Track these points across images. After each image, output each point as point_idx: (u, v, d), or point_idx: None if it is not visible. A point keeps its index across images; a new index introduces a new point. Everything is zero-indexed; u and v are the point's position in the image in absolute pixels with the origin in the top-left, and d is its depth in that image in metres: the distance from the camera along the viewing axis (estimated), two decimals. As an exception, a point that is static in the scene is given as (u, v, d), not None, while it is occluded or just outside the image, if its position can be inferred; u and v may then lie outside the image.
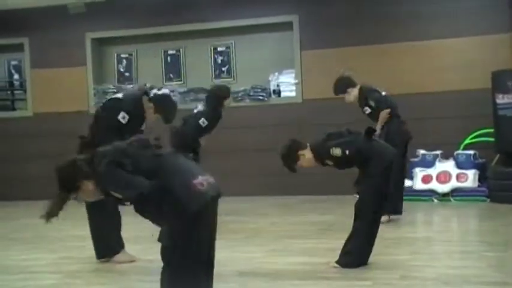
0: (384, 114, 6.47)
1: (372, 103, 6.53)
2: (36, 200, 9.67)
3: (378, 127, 6.30)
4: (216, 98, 6.99)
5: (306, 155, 4.61)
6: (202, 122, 6.87)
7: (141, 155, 2.84)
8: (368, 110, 6.56)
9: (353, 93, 6.62)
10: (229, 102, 7.10)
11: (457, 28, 8.60)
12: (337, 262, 4.68)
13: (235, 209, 7.65)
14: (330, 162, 4.64)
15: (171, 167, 2.86)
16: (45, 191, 10.94)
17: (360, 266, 4.60)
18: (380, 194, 4.61)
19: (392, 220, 6.47)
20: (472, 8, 8.54)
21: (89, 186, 2.84)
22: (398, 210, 6.61)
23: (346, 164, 4.67)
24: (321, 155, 4.63)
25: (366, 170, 4.60)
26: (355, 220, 4.64)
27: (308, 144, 4.64)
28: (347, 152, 4.53)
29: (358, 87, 6.63)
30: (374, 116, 6.52)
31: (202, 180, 2.87)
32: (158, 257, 2.94)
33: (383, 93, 6.64)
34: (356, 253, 4.63)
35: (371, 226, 4.61)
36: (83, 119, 9.89)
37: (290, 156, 4.61)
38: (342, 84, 6.68)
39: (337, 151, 4.55)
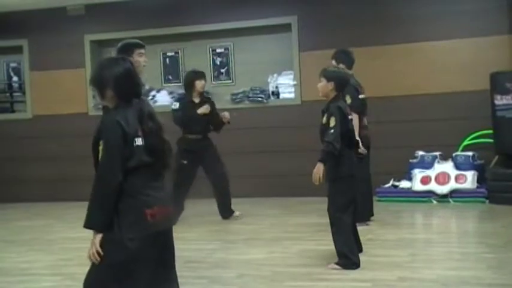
0: (356, 120, 6.05)
1: (348, 99, 6.17)
2: (34, 202, 9.75)
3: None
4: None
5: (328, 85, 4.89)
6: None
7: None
8: None
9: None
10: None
11: (455, 29, 8.59)
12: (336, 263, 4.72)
13: (234, 210, 7.64)
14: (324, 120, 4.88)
15: (134, 185, 2.82)
16: (44, 193, 10.92)
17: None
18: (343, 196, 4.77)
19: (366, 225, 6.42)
20: (471, 9, 8.53)
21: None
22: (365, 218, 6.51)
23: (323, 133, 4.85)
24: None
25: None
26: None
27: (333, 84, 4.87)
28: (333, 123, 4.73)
29: (348, 71, 6.33)
30: None
31: (156, 211, 2.84)
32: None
33: (361, 96, 6.50)
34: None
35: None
36: (82, 121, 9.96)
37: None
38: (340, 54, 6.52)
39: (332, 119, 4.75)
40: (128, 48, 5.11)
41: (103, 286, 2.81)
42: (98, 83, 2.91)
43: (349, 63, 6.52)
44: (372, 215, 6.69)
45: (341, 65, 6.39)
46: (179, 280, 3.08)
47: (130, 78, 2.93)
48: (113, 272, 2.78)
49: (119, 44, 5.13)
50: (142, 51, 5.10)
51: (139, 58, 5.07)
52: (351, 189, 4.80)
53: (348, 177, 4.78)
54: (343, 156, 4.74)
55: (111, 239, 2.78)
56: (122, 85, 2.89)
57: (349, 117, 4.88)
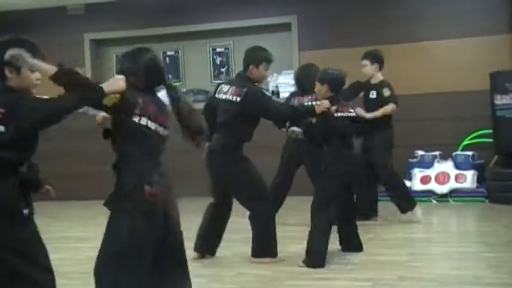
0: (390, 108, 6.46)
1: (387, 93, 6.47)
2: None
3: (375, 114, 6.35)
4: None
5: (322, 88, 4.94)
6: None
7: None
8: (374, 95, 6.52)
9: (374, 71, 6.55)
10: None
11: (455, 29, 8.59)
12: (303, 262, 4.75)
13: (234, 209, 7.61)
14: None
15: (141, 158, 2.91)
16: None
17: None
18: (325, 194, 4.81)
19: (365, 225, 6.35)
20: (471, 9, 8.54)
21: None
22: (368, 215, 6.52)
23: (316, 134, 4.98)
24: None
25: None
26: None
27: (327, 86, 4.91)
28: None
29: (379, 71, 6.57)
30: (372, 104, 6.48)
31: (156, 192, 2.88)
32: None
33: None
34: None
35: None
36: (81, 119, 9.91)
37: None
38: (375, 55, 6.60)
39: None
40: (258, 60, 5.05)
41: (110, 270, 2.87)
42: (127, 71, 3.01)
43: (382, 63, 6.63)
44: (376, 215, 6.66)
45: (376, 65, 6.54)
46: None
47: (158, 67, 3.10)
48: (117, 252, 2.85)
49: (248, 50, 5.00)
50: (269, 65, 5.02)
51: (265, 72, 5.04)
52: (335, 188, 4.81)
53: (335, 175, 4.81)
54: (332, 154, 4.83)
55: (113, 220, 2.90)
56: (150, 73, 3.03)
57: (338, 114, 4.85)
